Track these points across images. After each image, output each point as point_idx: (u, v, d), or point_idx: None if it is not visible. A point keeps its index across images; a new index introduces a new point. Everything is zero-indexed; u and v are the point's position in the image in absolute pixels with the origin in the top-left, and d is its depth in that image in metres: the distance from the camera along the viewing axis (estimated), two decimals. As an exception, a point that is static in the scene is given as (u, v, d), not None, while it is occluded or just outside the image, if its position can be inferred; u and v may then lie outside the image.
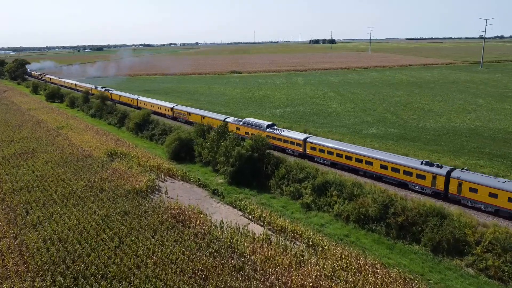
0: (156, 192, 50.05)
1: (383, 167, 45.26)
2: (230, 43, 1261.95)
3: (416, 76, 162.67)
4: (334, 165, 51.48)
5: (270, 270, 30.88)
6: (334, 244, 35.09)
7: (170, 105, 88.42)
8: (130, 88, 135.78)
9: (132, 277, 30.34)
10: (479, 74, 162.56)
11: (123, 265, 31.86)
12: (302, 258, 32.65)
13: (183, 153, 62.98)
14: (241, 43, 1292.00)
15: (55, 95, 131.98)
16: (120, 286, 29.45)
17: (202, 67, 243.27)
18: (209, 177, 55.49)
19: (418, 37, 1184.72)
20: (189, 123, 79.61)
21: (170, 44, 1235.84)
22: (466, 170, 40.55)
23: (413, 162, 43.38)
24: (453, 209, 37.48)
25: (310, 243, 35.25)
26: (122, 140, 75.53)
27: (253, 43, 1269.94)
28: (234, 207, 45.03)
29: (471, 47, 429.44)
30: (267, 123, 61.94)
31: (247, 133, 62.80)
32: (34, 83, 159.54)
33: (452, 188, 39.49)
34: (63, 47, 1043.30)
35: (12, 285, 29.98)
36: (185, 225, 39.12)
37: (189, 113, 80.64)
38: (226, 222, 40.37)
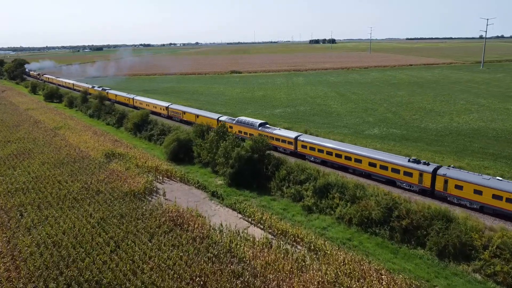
0: (154, 194, 48.99)
1: (372, 164, 45.49)
2: (230, 43, 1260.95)
3: (417, 76, 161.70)
4: (324, 163, 51.71)
5: (271, 276, 29.80)
6: (337, 248, 34.02)
7: (165, 104, 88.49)
8: (130, 88, 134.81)
9: (127, 284, 29.28)
10: (481, 74, 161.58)
11: (119, 270, 30.78)
12: (303, 264, 31.57)
13: (181, 154, 61.95)
14: (241, 43, 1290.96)
15: (53, 95, 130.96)
16: (115, 292, 28.42)
17: (202, 67, 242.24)
18: (208, 178, 54.45)
19: (418, 37, 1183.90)
20: (184, 122, 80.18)
21: (170, 44, 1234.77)
22: (452, 167, 40.97)
23: (400, 160, 43.66)
24: (458, 212, 36.46)
25: (312, 247, 34.18)
26: (120, 140, 74.48)
27: (253, 43, 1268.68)
28: (234, 210, 43.97)
29: (471, 47, 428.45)
30: (259, 121, 62.02)
31: (240, 131, 62.97)
32: (33, 83, 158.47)
33: (439, 185, 39.85)
34: (63, 47, 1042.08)
35: (3, 292, 28.96)
36: (183, 228, 38.05)
37: (184, 112, 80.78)
38: (225, 225, 39.32)
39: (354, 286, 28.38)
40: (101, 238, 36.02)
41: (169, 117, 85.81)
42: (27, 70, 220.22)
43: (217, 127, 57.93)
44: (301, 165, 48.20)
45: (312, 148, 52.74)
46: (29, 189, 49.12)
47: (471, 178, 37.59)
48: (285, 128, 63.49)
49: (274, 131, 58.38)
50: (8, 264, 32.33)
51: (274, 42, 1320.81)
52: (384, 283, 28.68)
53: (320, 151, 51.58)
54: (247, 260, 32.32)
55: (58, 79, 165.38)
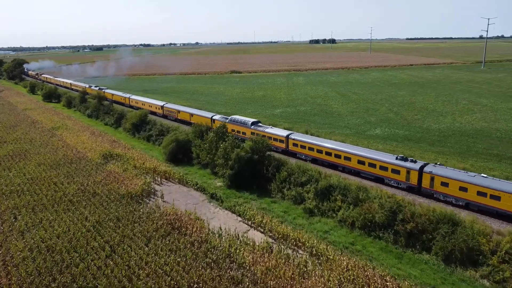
0: (152, 196, 47.87)
1: (361, 162, 45.82)
2: (230, 43, 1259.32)
3: (418, 76, 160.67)
4: (315, 161, 51.72)
5: (272, 283, 28.66)
6: (340, 253, 32.89)
7: (160, 103, 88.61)
8: (129, 88, 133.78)
9: (122, 290, 28.21)
10: (482, 74, 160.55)
11: (114, 277, 29.67)
12: (305, 269, 30.45)
13: (180, 154, 60.85)
14: (241, 43, 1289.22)
15: (52, 95, 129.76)
16: (110, 300, 27.33)
17: (202, 67, 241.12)
18: (207, 180, 53.35)
19: (418, 37, 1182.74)
20: (178, 121, 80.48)
21: (170, 44, 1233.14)
22: (439, 164, 41.17)
23: (388, 158, 43.95)
24: (464, 215, 35.41)
25: (314, 252, 33.07)
26: (118, 141, 73.35)
27: (253, 43, 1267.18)
28: (233, 212, 42.85)
29: (472, 47, 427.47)
30: (251, 120, 62.04)
31: (233, 130, 63.04)
32: (32, 83, 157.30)
33: (425, 183, 40.19)
34: (63, 47, 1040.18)
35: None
36: (181, 232, 36.94)
37: (178, 111, 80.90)
38: (225, 229, 38.20)
39: (358, 293, 27.31)
40: (96, 243, 34.90)
41: (164, 116, 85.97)
42: (25, 70, 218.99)
43: (217, 128, 56.87)
44: (302, 166, 47.11)
45: (303, 146, 52.92)
46: (24, 191, 48.03)
47: (457, 175, 38.03)
48: (286, 129, 62.63)
49: (266, 130, 58.58)
50: (-1, 270, 31.27)
51: (274, 42, 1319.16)
52: (389, 290, 27.60)
53: (311, 149, 51.83)
54: (247, 265, 31.19)
55: (56, 78, 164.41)
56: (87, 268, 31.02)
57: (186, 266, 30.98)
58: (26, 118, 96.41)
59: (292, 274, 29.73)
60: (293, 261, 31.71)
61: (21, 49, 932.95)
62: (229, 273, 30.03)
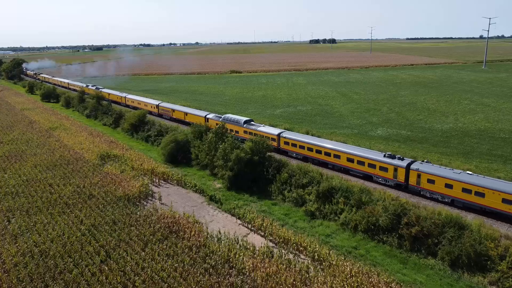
0: (149, 198, 46.79)
1: (350, 160, 46.34)
2: (230, 43, 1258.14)
3: (420, 75, 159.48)
4: (306, 159, 51.97)
5: (272, 290, 27.62)
6: (343, 258, 31.80)
7: (155, 102, 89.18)
8: (129, 88, 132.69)
9: (117, 298, 27.15)
10: (483, 73, 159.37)
11: (108, 283, 28.60)
12: (307, 276, 29.37)
13: (179, 155, 59.78)
14: (241, 43, 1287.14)
15: (50, 95, 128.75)
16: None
17: (202, 67, 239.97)
18: (206, 181, 52.27)
19: (419, 37, 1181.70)
20: (173, 120, 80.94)
21: (170, 44, 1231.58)
22: (426, 162, 41.52)
23: (376, 155, 44.30)
24: (471, 218, 34.35)
25: (316, 257, 31.98)
26: (116, 141, 72.25)
27: (253, 43, 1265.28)
28: (233, 215, 41.76)
29: (472, 47, 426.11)
30: (244, 119, 62.52)
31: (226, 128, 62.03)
32: (30, 83, 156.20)
33: (412, 180, 40.53)
34: (63, 47, 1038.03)
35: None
36: (178, 236, 35.85)
37: (173, 110, 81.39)
38: (224, 232, 37.12)
39: (363, 301, 26.24)
40: (91, 247, 33.84)
41: (159, 115, 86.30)
42: (24, 69, 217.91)
43: (216, 128, 55.81)
44: (304, 168, 46.05)
45: (294, 145, 53.24)
46: (18, 193, 46.95)
47: (442, 172, 38.31)
48: (286, 129, 61.62)
49: (258, 128, 58.79)
50: (-10, 276, 30.19)
51: (274, 42, 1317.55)
52: (394, 297, 26.54)
53: (301, 147, 52.04)
54: (246, 271, 30.11)
55: (54, 78, 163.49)
56: (81, 274, 29.95)
57: (184, 272, 29.90)
58: (23, 118, 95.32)
59: (294, 280, 28.62)
60: (295, 267, 30.63)
61: (21, 49, 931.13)
62: (228, 279, 28.95)
